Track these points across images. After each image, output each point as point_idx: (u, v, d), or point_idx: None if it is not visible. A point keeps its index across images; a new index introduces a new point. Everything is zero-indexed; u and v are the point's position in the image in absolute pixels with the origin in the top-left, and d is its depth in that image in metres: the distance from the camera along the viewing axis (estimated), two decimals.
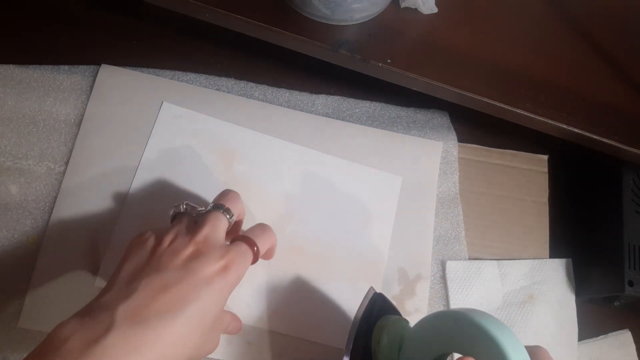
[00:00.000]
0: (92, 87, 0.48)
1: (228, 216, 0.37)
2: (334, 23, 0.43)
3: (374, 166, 0.51)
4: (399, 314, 0.41)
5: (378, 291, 0.40)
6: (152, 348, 0.29)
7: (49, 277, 0.42)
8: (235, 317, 0.40)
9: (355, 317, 0.38)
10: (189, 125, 0.48)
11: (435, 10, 0.45)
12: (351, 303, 0.45)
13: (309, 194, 0.49)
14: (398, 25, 0.45)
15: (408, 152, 0.52)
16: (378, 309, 0.39)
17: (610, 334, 0.51)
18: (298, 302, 0.45)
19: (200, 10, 0.41)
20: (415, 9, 0.45)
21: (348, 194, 0.49)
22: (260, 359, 0.43)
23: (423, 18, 0.46)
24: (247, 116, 0.50)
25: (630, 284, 0.46)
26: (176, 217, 0.38)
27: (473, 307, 0.48)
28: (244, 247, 0.36)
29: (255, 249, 0.37)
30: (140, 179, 0.45)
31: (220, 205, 0.37)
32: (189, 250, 0.33)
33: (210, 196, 0.47)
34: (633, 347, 0.51)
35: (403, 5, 0.45)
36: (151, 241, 0.34)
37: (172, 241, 0.34)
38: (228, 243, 0.37)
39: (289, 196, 0.48)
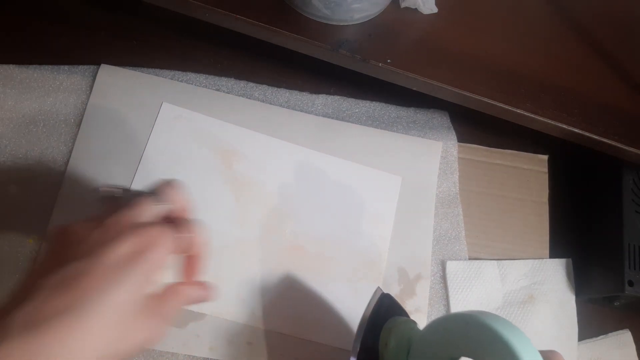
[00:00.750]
0: (92, 87, 0.48)
1: (157, 203, 0.33)
2: (334, 23, 0.43)
3: (374, 166, 0.51)
4: (407, 315, 0.40)
5: None
6: (55, 353, 0.25)
7: None
8: (196, 286, 0.34)
9: (362, 318, 0.37)
10: (188, 125, 0.48)
11: (435, 10, 0.45)
12: (351, 303, 0.45)
13: (308, 194, 0.49)
14: (398, 25, 0.45)
15: (408, 152, 0.52)
16: (385, 309, 0.38)
17: (610, 334, 0.51)
18: (298, 302, 0.45)
19: (200, 10, 0.41)
20: (415, 9, 0.45)
21: (348, 194, 0.49)
22: (260, 359, 0.43)
23: (423, 18, 0.46)
24: (247, 116, 0.50)
25: (630, 284, 0.46)
26: (103, 201, 0.34)
27: (473, 307, 0.48)
28: (156, 226, 0.31)
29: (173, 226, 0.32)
30: (140, 179, 0.45)
31: (149, 192, 0.33)
32: (96, 236, 0.29)
33: (210, 195, 0.47)
34: (633, 347, 0.51)
35: (403, 5, 0.45)
36: (61, 233, 0.31)
37: (80, 229, 0.30)
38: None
39: (289, 196, 0.48)
